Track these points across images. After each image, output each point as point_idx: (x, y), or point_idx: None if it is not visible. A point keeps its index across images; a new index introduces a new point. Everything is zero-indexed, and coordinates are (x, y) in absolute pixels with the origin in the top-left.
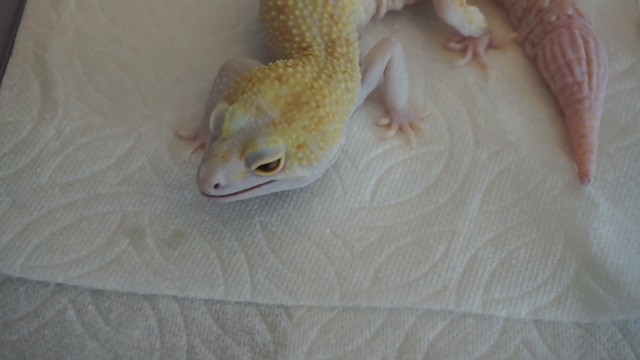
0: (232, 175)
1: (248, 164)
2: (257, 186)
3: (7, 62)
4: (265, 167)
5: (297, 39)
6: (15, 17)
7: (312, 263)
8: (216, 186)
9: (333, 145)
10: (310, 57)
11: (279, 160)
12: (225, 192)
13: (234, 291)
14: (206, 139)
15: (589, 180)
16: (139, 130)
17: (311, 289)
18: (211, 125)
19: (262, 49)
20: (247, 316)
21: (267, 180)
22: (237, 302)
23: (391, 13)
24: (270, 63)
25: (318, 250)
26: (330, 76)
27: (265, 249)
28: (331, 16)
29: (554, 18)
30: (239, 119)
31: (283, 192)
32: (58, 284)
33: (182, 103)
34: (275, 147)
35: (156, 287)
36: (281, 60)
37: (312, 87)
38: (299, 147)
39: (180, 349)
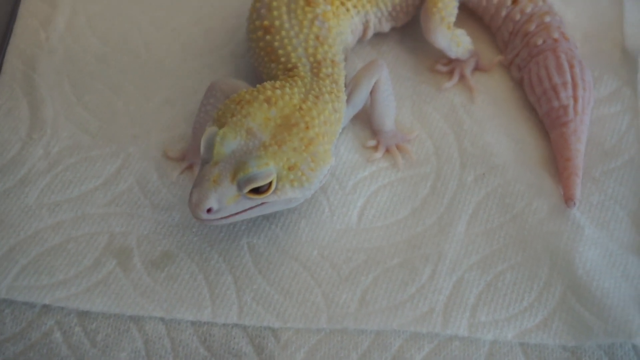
0: (224, 199)
1: (240, 187)
2: (249, 209)
3: None
4: (257, 190)
5: (282, 59)
6: (4, 37)
7: (299, 285)
8: (209, 210)
9: (323, 165)
10: (296, 78)
11: (270, 183)
12: (218, 215)
13: (221, 313)
14: (194, 160)
15: (575, 203)
16: (127, 151)
17: (298, 311)
18: (202, 149)
19: (250, 70)
20: (234, 338)
21: (259, 202)
22: (224, 324)
23: (379, 35)
24: (257, 85)
25: (305, 272)
26: (317, 97)
27: (253, 271)
28: (317, 37)
29: (540, 42)
30: (230, 142)
31: (270, 213)
32: (44, 306)
33: (170, 124)
34: (266, 169)
35: (143, 309)
36: (268, 82)
37: (301, 108)
38: (290, 169)
39: None
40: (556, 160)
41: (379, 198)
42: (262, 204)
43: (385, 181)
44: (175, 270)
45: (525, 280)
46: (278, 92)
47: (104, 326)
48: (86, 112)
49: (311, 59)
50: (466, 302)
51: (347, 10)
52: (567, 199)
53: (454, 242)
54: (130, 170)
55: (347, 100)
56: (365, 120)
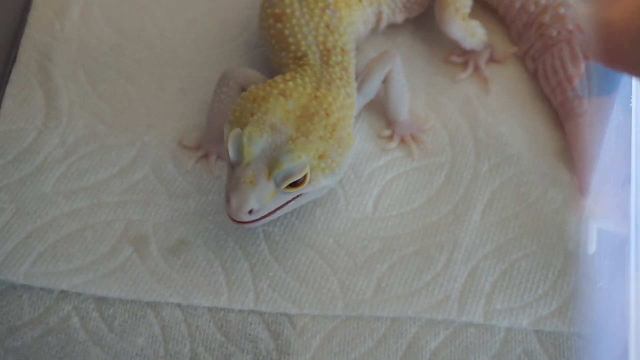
0: (262, 198)
1: (277, 184)
2: (287, 203)
3: (10, 72)
4: (293, 184)
5: (292, 47)
6: (18, 27)
7: (315, 272)
8: (249, 212)
9: (349, 149)
10: (305, 67)
11: (305, 175)
12: (259, 215)
13: (237, 299)
14: (209, 149)
15: (589, 193)
16: (143, 140)
17: (314, 297)
18: (230, 153)
19: (263, 60)
20: (251, 324)
21: (295, 195)
22: (240, 310)
23: (393, 26)
24: (268, 80)
25: (321, 260)
26: (329, 84)
27: (269, 258)
28: (327, 26)
29: (554, 33)
30: (257, 141)
31: None
32: (62, 291)
33: (185, 113)
34: (300, 162)
35: (160, 295)
36: (278, 76)
37: (316, 96)
38: (320, 157)
39: (183, 356)
40: (571, 150)
41: (394, 187)
42: (298, 196)
43: (401, 170)
44: (192, 257)
45: (540, 269)
46: (290, 84)
47: (121, 312)
48: (101, 102)
49: (321, 47)
50: (481, 290)
51: (360, 0)
52: (582, 189)
53: (469, 231)
54: (145, 159)
55: (358, 89)
56: (381, 111)
